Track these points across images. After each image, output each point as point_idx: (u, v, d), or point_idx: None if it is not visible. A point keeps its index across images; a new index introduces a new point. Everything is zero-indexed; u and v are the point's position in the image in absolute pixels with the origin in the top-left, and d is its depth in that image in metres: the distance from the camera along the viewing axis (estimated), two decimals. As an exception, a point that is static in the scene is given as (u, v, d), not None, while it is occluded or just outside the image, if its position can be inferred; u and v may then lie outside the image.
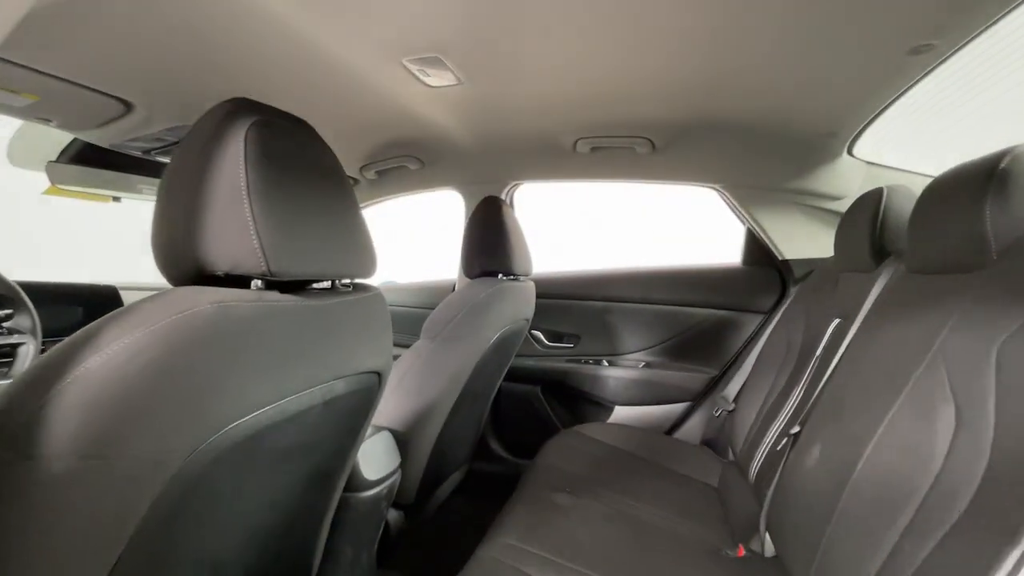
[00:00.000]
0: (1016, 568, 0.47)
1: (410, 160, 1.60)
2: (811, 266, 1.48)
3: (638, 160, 1.48)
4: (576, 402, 1.79)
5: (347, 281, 0.70)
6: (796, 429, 1.00)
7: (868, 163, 1.39)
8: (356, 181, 1.74)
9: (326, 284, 0.67)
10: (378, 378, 0.78)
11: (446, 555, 1.26)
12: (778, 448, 1.04)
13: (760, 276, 1.60)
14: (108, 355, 0.41)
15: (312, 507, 0.79)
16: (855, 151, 1.36)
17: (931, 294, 0.76)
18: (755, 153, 1.38)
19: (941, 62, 0.95)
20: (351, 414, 0.75)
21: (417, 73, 1.04)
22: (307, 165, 0.59)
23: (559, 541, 0.96)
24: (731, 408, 1.51)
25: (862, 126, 1.22)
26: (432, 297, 1.89)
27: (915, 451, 0.65)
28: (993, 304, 0.63)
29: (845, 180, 1.41)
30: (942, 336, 0.69)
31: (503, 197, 1.64)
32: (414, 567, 1.35)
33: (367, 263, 0.69)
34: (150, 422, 0.44)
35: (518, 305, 1.36)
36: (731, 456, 1.49)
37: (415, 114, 1.27)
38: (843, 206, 1.45)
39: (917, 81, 1.05)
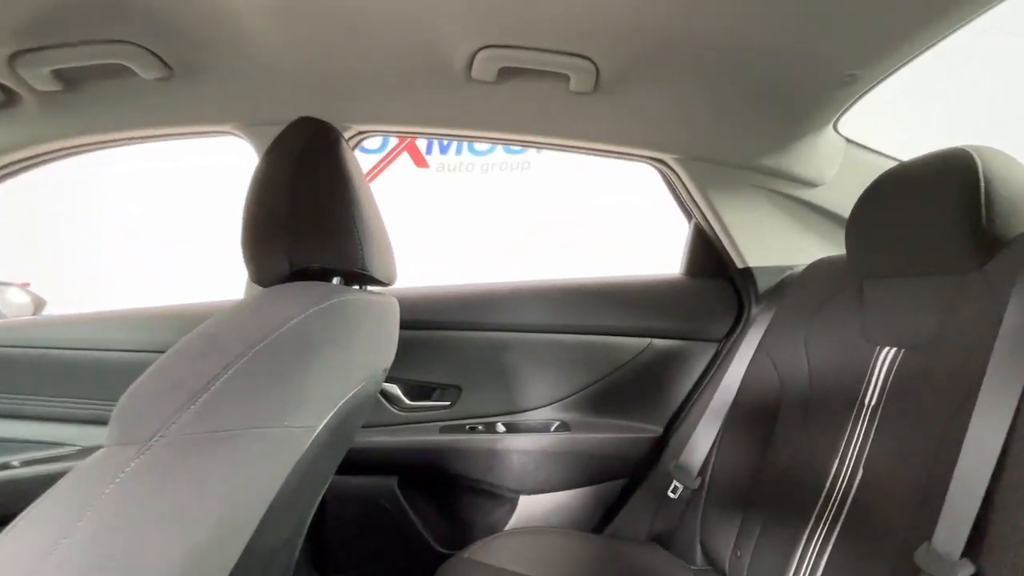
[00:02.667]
0: None
1: (137, 55, 0.79)
2: (779, 275, 1.09)
3: (568, 104, 0.92)
4: (457, 497, 1.13)
5: None
6: (969, 571, 0.52)
7: (848, 141, 1.07)
8: (7, 93, 0.83)
9: None
10: None
11: None
12: None
13: (712, 290, 1.17)
14: None
15: None
16: (840, 126, 1.02)
17: None
18: (733, 103, 0.95)
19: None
20: None
21: None
22: None
23: None
24: (695, 486, 1.01)
25: (881, 78, 0.87)
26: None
27: None
28: None
29: (825, 161, 1.06)
30: None
31: None
32: None
33: None
34: None
35: (376, 342, 0.66)
36: (700, 559, 0.99)
37: None
38: (817, 196, 1.11)
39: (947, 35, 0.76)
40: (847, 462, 0.74)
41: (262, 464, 0.48)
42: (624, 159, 1.07)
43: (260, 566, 0.56)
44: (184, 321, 1.04)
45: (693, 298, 1.17)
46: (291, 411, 0.48)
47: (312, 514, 0.83)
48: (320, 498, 0.83)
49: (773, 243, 1.10)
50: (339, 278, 0.62)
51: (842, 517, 0.72)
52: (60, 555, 0.35)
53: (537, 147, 1.05)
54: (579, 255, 3.51)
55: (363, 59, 0.84)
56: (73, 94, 0.86)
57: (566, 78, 0.86)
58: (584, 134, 0.99)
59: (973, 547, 0.53)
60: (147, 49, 0.78)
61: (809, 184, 1.08)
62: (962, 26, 0.77)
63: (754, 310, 1.11)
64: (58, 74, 0.80)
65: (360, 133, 0.99)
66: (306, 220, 0.58)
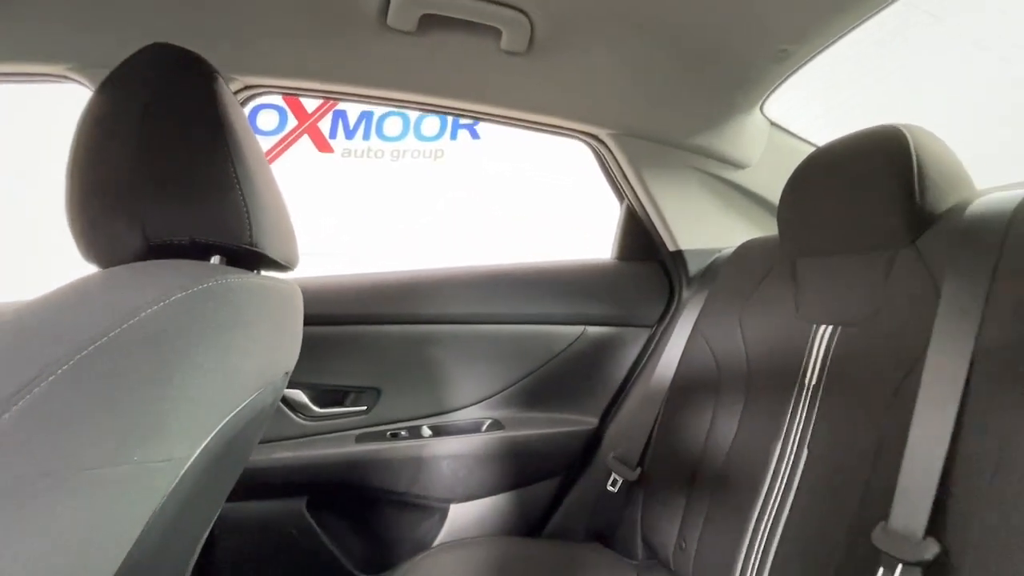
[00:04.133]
0: None
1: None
2: (709, 257, 1.08)
3: (499, 65, 0.82)
4: (379, 513, 0.99)
5: None
6: (935, 550, 0.50)
7: (772, 124, 1.08)
8: None
9: None
10: None
11: None
12: None
13: (643, 274, 1.14)
14: None
15: None
16: (766, 108, 1.03)
17: None
18: (669, 76, 0.90)
19: None
20: None
21: None
22: None
23: None
24: (634, 477, 0.97)
25: (811, 55, 0.87)
26: None
27: None
28: None
29: (752, 142, 1.06)
30: None
31: None
32: None
33: None
34: None
35: (273, 340, 0.52)
36: (640, 553, 0.95)
37: None
38: (743, 178, 1.11)
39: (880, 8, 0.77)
40: (791, 443, 0.72)
41: (99, 518, 0.33)
42: (557, 133, 1.00)
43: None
44: None
45: (625, 282, 1.13)
46: (144, 441, 0.34)
47: (195, 557, 0.66)
48: (207, 534, 0.67)
49: (703, 225, 1.09)
50: (220, 257, 0.47)
51: (790, 499, 0.69)
52: None
53: (461, 115, 0.93)
54: (494, 239, 3.44)
55: None
56: None
57: (497, 33, 0.76)
58: (515, 102, 0.90)
59: (935, 525, 0.51)
60: None
61: (737, 165, 1.07)
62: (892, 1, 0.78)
63: (685, 293, 1.10)
64: None
65: (247, 88, 0.81)
66: (167, 174, 0.43)
